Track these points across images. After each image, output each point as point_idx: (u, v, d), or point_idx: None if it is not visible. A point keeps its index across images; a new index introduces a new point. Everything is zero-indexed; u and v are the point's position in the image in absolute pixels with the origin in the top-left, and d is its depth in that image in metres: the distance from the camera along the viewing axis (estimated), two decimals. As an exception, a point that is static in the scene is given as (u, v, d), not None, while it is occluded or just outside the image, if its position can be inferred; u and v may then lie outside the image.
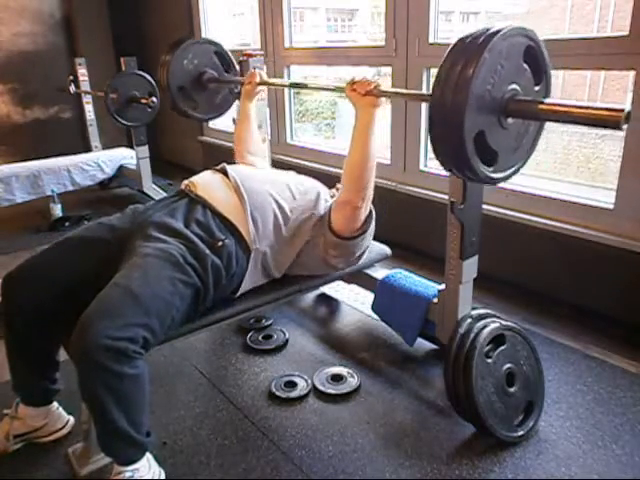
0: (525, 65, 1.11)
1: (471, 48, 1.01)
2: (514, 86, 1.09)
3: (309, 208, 1.58)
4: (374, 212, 1.55)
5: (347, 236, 1.52)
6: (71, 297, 1.32)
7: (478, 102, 1.02)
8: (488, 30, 1.02)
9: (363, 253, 1.63)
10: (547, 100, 1.10)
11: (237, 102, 2.20)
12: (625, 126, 0.95)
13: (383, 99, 1.42)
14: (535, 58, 1.12)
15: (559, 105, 1.05)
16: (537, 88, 1.14)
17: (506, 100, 1.08)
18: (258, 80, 1.93)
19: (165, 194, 3.44)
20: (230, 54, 2.33)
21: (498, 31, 1.01)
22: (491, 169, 1.13)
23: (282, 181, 1.62)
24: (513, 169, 1.20)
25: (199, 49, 2.26)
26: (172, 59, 2.17)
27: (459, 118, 1.00)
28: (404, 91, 1.40)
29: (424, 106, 2.54)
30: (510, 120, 1.11)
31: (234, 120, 2.36)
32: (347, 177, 1.48)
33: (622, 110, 0.93)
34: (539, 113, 1.08)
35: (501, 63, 1.04)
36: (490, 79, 1.03)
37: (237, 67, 2.32)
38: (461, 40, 1.04)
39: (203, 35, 3.98)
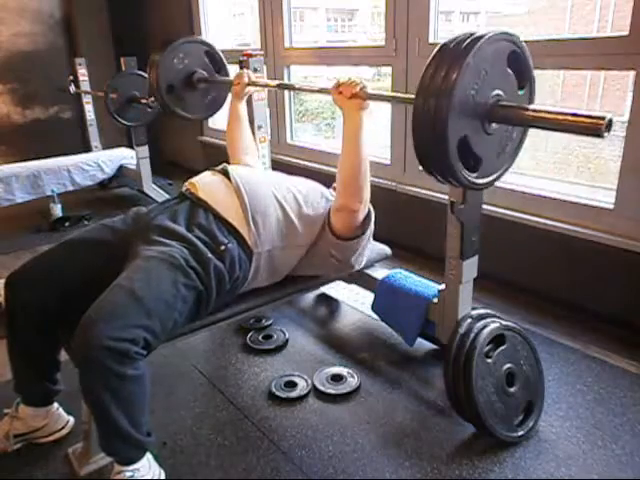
0: (509, 70, 1.11)
1: (454, 53, 1.01)
2: (498, 91, 1.09)
3: (311, 212, 1.57)
4: (372, 212, 1.54)
5: (347, 237, 1.51)
6: (73, 298, 1.32)
7: (461, 107, 1.02)
8: (472, 35, 1.02)
9: (363, 254, 1.62)
10: (531, 106, 1.10)
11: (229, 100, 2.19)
12: (606, 134, 0.96)
13: (369, 102, 1.40)
14: (519, 63, 1.12)
15: (543, 112, 1.06)
16: (521, 92, 1.15)
17: (490, 105, 1.08)
18: (246, 80, 1.92)
19: (165, 193, 3.45)
20: (221, 55, 2.32)
21: (482, 36, 1.02)
22: (474, 175, 1.13)
23: (285, 184, 1.62)
24: (496, 174, 1.20)
25: (190, 48, 2.24)
26: (162, 58, 2.15)
27: (442, 124, 1.00)
28: (389, 94, 1.42)
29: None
30: (494, 125, 1.12)
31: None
32: (341, 182, 1.47)
33: (604, 118, 0.95)
34: (523, 119, 1.09)
35: (485, 68, 1.04)
36: (474, 84, 1.04)
37: (228, 68, 2.32)
38: (445, 45, 1.04)
39: (203, 35, 3.98)
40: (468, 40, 1.01)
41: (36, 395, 1.44)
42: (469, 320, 1.45)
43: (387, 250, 1.95)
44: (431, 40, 2.42)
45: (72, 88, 3.96)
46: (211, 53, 2.30)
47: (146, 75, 3.35)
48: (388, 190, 2.68)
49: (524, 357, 1.47)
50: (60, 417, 1.49)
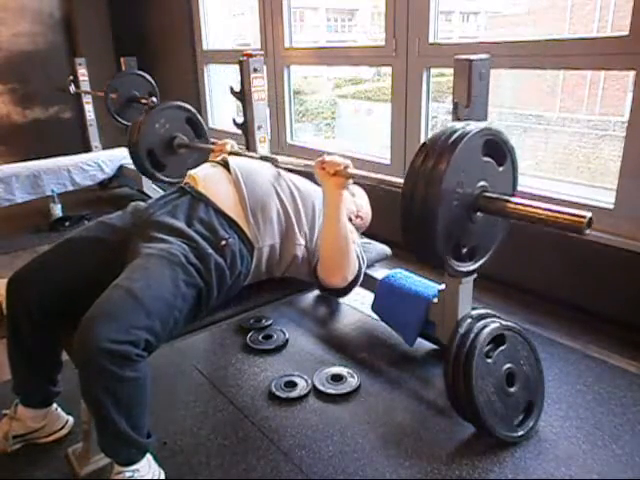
0: (487, 158, 1.18)
1: (441, 149, 1.10)
2: (483, 183, 1.17)
3: (306, 215, 1.57)
4: (363, 270, 1.53)
5: (333, 288, 1.52)
6: (74, 298, 1.32)
7: (449, 197, 1.11)
8: (456, 131, 1.10)
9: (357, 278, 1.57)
10: (514, 200, 1.16)
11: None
12: (588, 231, 0.99)
13: (350, 181, 1.41)
14: (495, 147, 1.18)
15: (525, 205, 1.11)
16: (501, 169, 1.22)
17: (475, 197, 1.16)
18: (229, 150, 1.84)
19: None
20: (202, 121, 2.38)
21: (464, 135, 1.09)
22: (467, 264, 1.23)
23: (284, 178, 1.62)
24: (482, 260, 1.28)
25: (171, 114, 2.31)
26: (144, 122, 2.22)
27: (432, 212, 1.09)
28: (373, 175, 1.41)
29: (424, 106, 2.54)
30: (479, 214, 1.19)
31: (234, 121, 2.36)
32: (321, 258, 1.47)
33: (584, 217, 0.98)
34: (506, 211, 1.15)
35: (466, 163, 1.12)
36: (460, 177, 1.11)
37: (207, 133, 2.40)
38: (432, 139, 1.12)
39: (203, 35, 3.98)
40: (454, 136, 1.09)
41: (35, 397, 1.43)
42: (469, 320, 1.44)
43: (387, 250, 1.95)
44: (431, 40, 2.42)
45: (72, 88, 3.96)
46: (192, 119, 2.37)
47: (146, 75, 3.38)
48: (388, 190, 2.67)
49: (524, 357, 1.46)
50: (59, 417, 1.49)
